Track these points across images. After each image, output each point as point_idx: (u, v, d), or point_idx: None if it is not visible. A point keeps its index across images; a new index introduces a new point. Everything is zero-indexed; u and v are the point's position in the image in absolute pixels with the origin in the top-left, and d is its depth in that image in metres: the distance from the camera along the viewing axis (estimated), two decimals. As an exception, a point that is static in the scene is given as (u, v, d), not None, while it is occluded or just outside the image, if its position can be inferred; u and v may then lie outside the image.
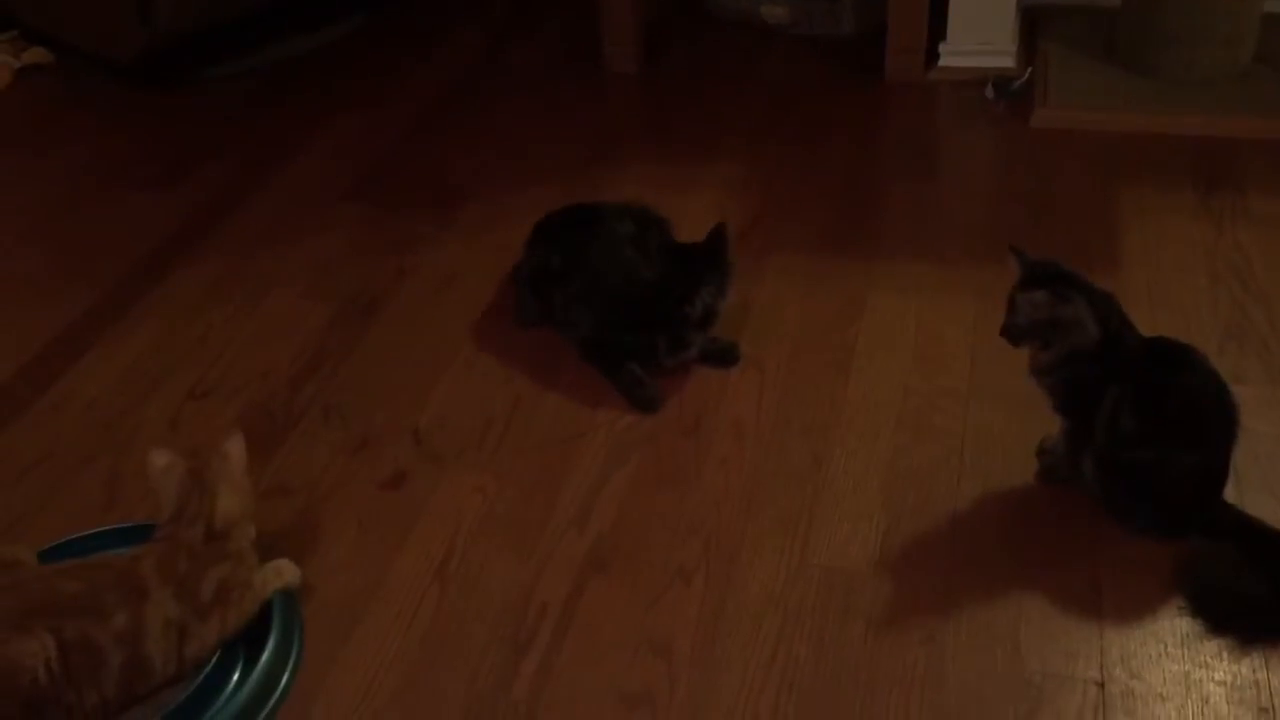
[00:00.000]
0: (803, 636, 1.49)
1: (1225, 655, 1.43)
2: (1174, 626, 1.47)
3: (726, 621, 1.52)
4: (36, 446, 1.81)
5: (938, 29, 2.66)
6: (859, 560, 1.59)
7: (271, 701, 1.43)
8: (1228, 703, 1.38)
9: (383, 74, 2.85)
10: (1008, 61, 2.65)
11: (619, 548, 1.63)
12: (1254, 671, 1.41)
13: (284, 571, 1.51)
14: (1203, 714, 1.37)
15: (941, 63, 2.68)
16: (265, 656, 1.44)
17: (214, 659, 1.42)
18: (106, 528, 1.57)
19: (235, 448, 1.49)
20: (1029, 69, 2.63)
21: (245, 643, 1.46)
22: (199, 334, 2.04)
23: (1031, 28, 2.77)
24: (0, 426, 1.84)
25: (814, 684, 1.43)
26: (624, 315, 1.88)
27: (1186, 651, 1.44)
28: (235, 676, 1.43)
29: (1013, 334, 1.56)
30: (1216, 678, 1.41)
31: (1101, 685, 1.41)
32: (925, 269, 2.11)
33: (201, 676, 1.40)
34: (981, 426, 1.77)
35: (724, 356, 1.94)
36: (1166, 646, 1.45)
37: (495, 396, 1.89)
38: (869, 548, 1.60)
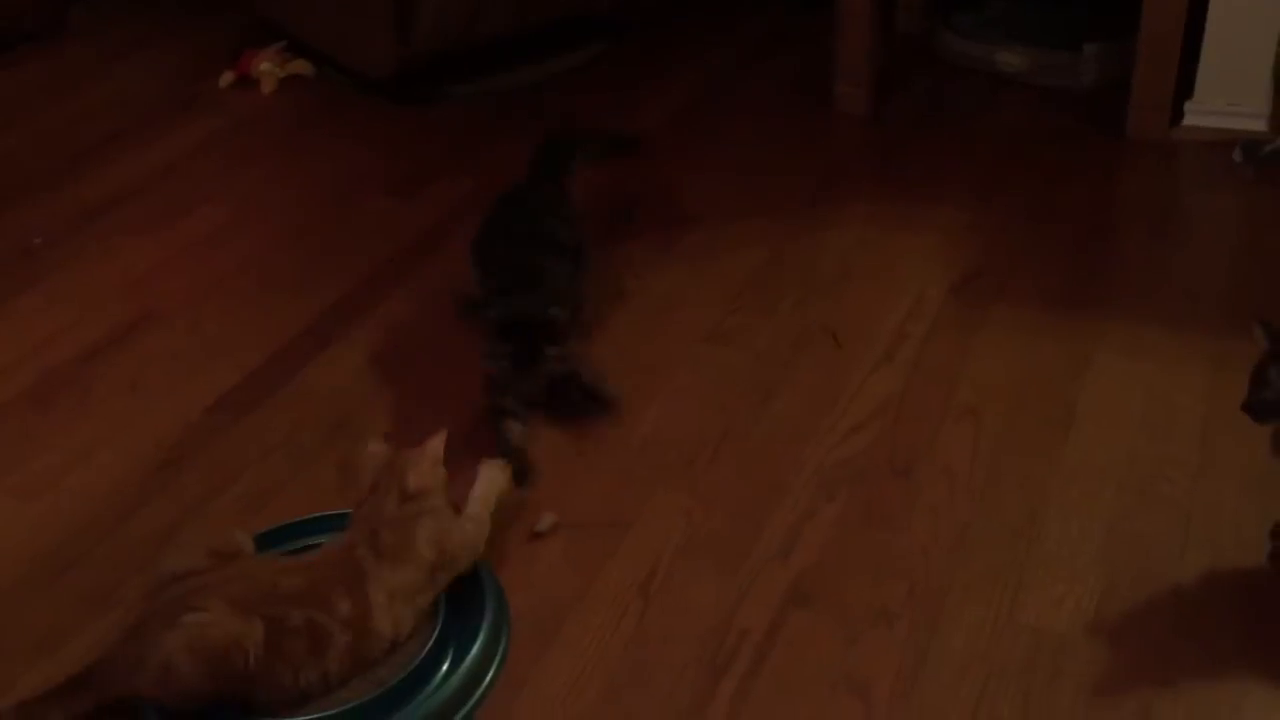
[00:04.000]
0: (1007, 695, 1.46)
1: None
2: None
3: (928, 670, 1.50)
4: (280, 429, 1.94)
5: (1185, 86, 2.57)
6: (1071, 623, 1.54)
7: (476, 696, 1.49)
8: None
9: (617, 100, 2.93)
10: (1260, 125, 2.53)
11: (822, 583, 1.63)
12: None
13: (478, 523, 1.58)
14: None
15: (1186, 121, 2.58)
16: (473, 652, 1.50)
17: (434, 634, 1.49)
18: (317, 515, 1.67)
19: (435, 443, 1.59)
20: (1283, 132, 2.51)
21: (455, 636, 1.53)
22: (430, 337, 2.15)
23: (1288, 89, 2.64)
24: (250, 408, 1.98)
25: (1016, 744, 1.40)
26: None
27: None
28: (444, 668, 1.50)
29: (1257, 410, 1.50)
30: None
31: (1332, 784, 1.33)
32: (1157, 333, 2.04)
33: (413, 665, 1.47)
34: (1211, 500, 1.70)
35: (588, 402, 1.89)
36: (1407, 753, 1.36)
37: (708, 421, 1.92)
38: (1083, 611, 1.56)
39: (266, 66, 3.05)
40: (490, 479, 1.64)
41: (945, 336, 2.08)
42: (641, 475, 1.82)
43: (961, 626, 1.55)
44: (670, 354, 2.08)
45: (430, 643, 1.49)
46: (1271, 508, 1.60)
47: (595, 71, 3.07)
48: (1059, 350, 2.02)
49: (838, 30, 2.76)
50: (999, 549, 1.66)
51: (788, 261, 2.31)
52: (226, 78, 3.04)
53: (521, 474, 1.75)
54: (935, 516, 1.72)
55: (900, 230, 2.38)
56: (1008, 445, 1.84)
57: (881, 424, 1.90)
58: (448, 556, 1.53)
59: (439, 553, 1.52)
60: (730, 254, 2.33)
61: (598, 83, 3.02)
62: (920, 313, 2.14)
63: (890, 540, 1.69)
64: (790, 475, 1.81)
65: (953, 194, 2.49)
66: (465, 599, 1.56)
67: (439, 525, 1.53)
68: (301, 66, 3.09)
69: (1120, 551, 1.64)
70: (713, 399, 1.97)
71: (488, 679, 1.50)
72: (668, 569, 1.66)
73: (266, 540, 1.61)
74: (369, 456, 1.59)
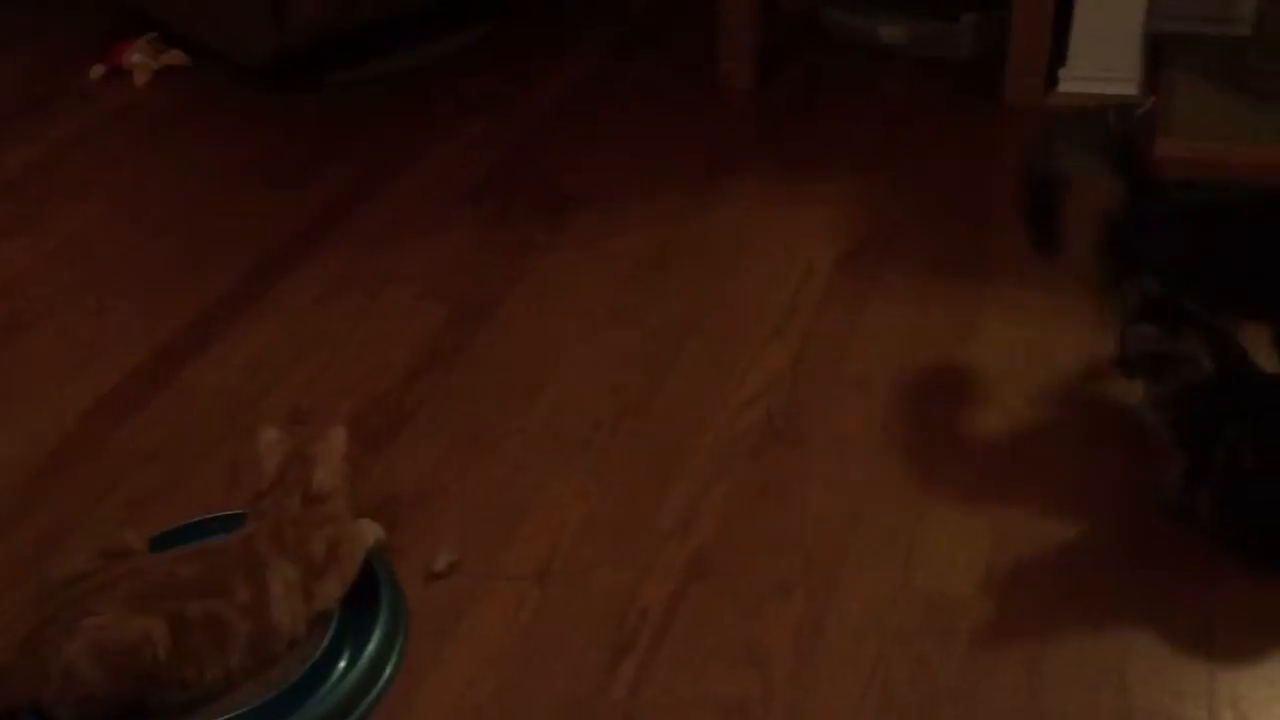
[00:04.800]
0: (902, 658, 1.49)
1: (1342, 704, 1.39)
2: (1289, 671, 1.44)
3: (825, 638, 1.52)
4: (164, 430, 1.89)
5: (1059, 53, 2.63)
6: (963, 585, 1.57)
7: (375, 691, 1.47)
8: (1343, 753, 1.35)
9: (505, 81, 2.91)
10: (1131, 89, 2.61)
11: (720, 557, 1.64)
12: (1373, 723, 1.37)
13: (372, 524, 1.58)
14: (1316, 763, 1.34)
15: (1061, 88, 2.65)
16: (370, 648, 1.48)
17: (330, 631, 1.47)
18: (212, 515, 1.63)
19: (338, 435, 1.57)
20: (1152, 98, 2.58)
21: (352, 632, 1.51)
22: (319, 329, 2.11)
23: (1156, 55, 2.72)
24: (132, 410, 1.93)
25: (911, 706, 1.43)
26: None
27: (1301, 698, 1.41)
28: (341, 665, 1.48)
29: (1124, 368, 1.54)
30: (1334, 727, 1.37)
31: (1213, 727, 1.38)
32: (1039, 296, 2.09)
33: (308, 665, 1.44)
34: (1096, 458, 1.75)
35: None
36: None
37: (602, 402, 1.92)
38: (974, 573, 1.59)
39: (139, 58, 2.96)
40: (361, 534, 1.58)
41: (835, 308, 2.11)
42: (537, 459, 1.81)
43: (857, 594, 1.57)
44: (564, 336, 2.07)
45: (327, 640, 1.47)
46: (1151, 464, 1.65)
47: (482, 53, 3.04)
48: (945, 317, 2.06)
49: (721, 7, 2.77)
50: (892, 516, 1.69)
51: (678, 239, 2.31)
52: (97, 71, 2.94)
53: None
54: (829, 487, 1.75)
55: (788, 205, 2.40)
56: (898, 413, 1.87)
57: (774, 397, 1.91)
58: (342, 566, 1.51)
59: (334, 560, 1.50)
60: (621, 234, 2.33)
61: (484, 64, 2.99)
62: (809, 286, 2.16)
63: (786, 512, 1.71)
64: (687, 451, 1.81)
65: (838, 167, 2.51)
66: (361, 595, 1.54)
67: (338, 533, 1.52)
68: (176, 57, 3.00)
69: (1010, 515, 1.68)
70: (608, 379, 1.97)
71: (385, 675, 1.49)
72: (566, 553, 1.65)
73: (161, 544, 1.57)
74: (268, 446, 1.56)
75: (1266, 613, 1.50)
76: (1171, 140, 2.45)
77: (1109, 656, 1.47)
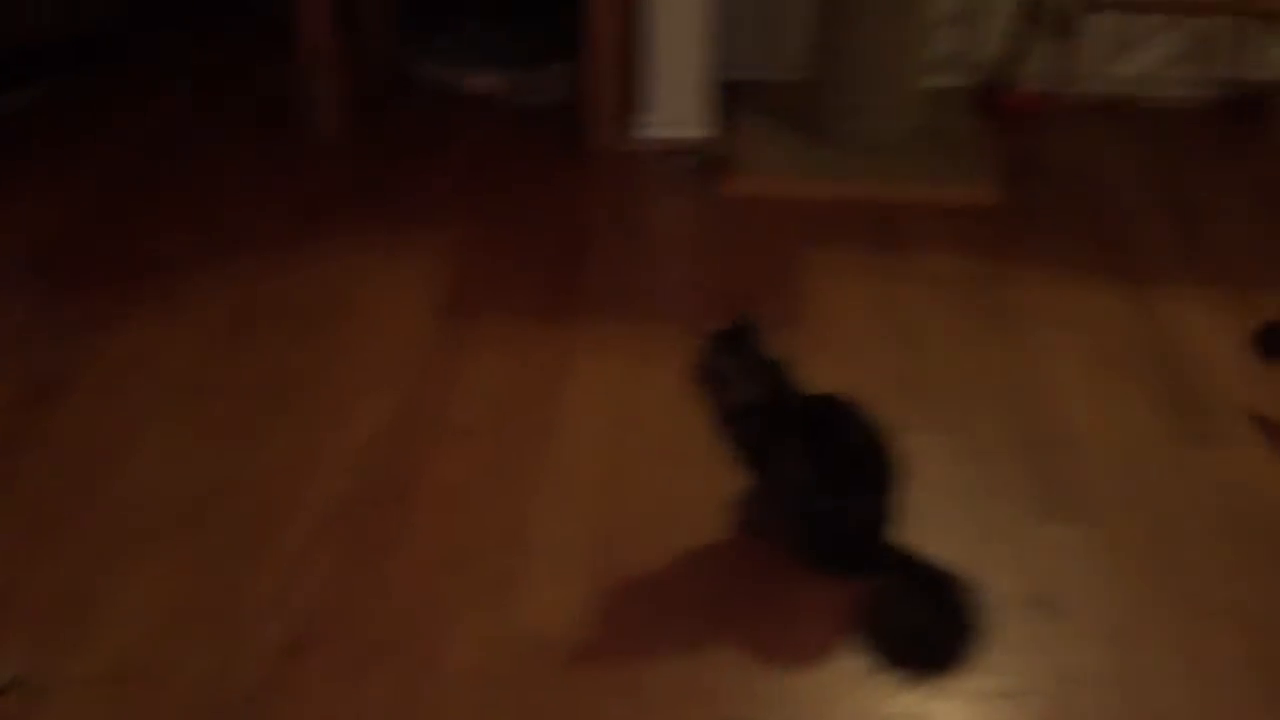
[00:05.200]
0: (506, 704, 1.50)
1: (900, 687, 1.54)
2: (856, 665, 1.57)
3: (429, 693, 1.51)
4: None
5: (636, 99, 2.77)
6: (562, 623, 1.61)
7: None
8: (901, 732, 1.49)
9: (73, 138, 2.71)
10: (703, 132, 2.79)
11: (320, 627, 1.59)
12: (924, 701, 1.52)
13: None
14: (880, 745, 1.47)
15: (639, 133, 2.79)
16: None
17: None
18: None
19: None
20: (723, 139, 2.78)
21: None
22: None
23: (727, 100, 2.93)
24: None
25: (518, 750, 1.44)
26: None
27: (867, 687, 1.54)
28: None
29: (697, 382, 1.65)
30: (892, 710, 1.51)
31: (787, 726, 1.49)
32: (628, 332, 2.18)
33: None
34: (682, 483, 1.84)
35: None
36: (849, 683, 1.54)
37: (190, 480, 1.81)
38: (573, 610, 1.63)
39: None
40: None
41: (435, 359, 2.11)
42: (117, 546, 1.69)
43: (458, 647, 1.57)
44: (143, 411, 1.95)
45: None
46: (730, 485, 1.76)
47: (48, 109, 2.82)
48: (541, 360, 2.11)
49: (307, 59, 2.72)
50: (494, 562, 1.70)
51: (268, 299, 2.24)
52: None
53: None
54: (430, 542, 1.74)
55: (385, 257, 2.38)
56: (498, 459, 1.90)
57: (375, 455, 1.89)
58: None
59: None
60: (204, 299, 2.22)
61: (51, 121, 2.78)
62: (409, 338, 2.15)
63: (388, 570, 1.68)
64: (283, 521, 1.75)
65: (434, 217, 2.53)
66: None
67: None
68: None
69: (605, 546, 1.73)
70: (194, 453, 1.87)
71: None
72: (150, 645, 1.55)
73: None
74: None
75: (834, 611, 1.63)
76: (741, 178, 2.65)
77: (703, 672, 1.55)
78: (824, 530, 1.64)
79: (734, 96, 2.93)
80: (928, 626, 1.58)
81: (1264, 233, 2.49)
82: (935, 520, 1.76)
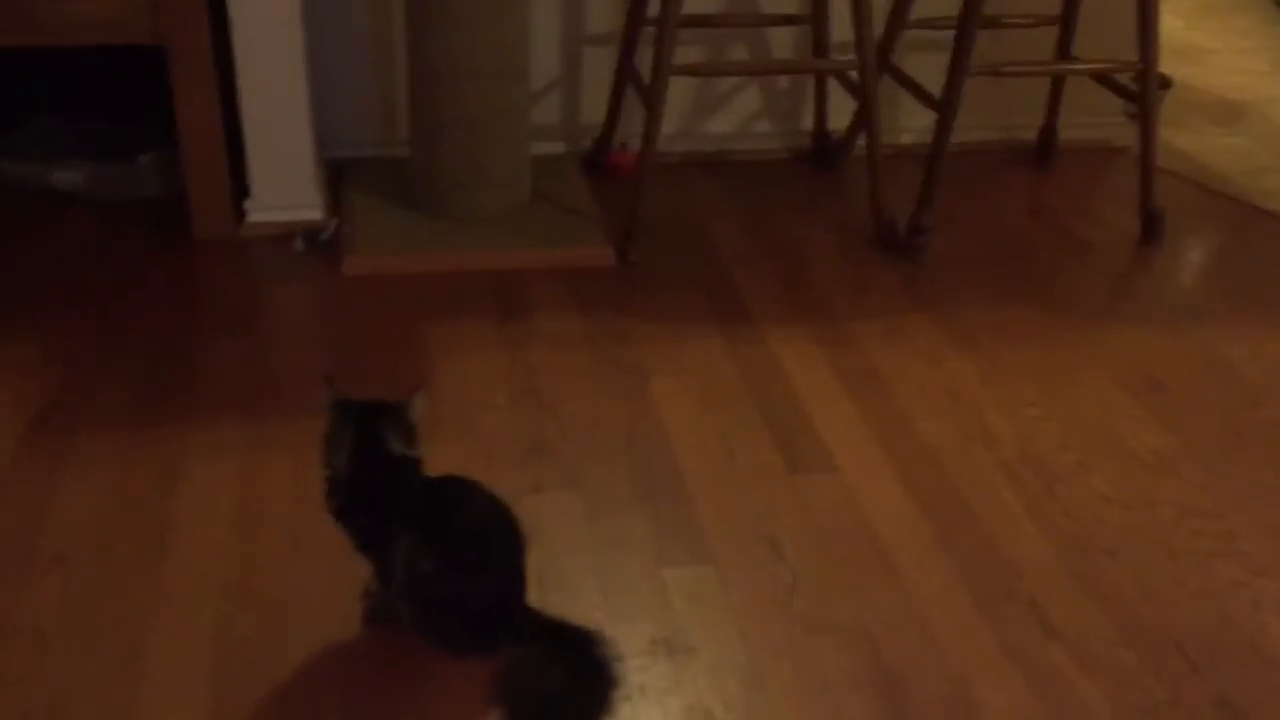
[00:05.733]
0: None
1: (542, 756, 1.53)
2: (496, 740, 1.55)
3: None
4: None
5: (244, 185, 2.68)
6: (182, 752, 1.50)
7: None
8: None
9: None
10: (315, 213, 2.73)
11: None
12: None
13: None
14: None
15: (250, 219, 2.70)
16: None
17: None
18: None
19: None
20: (336, 219, 2.73)
21: None
22: None
23: (337, 178, 2.89)
24: None
25: None
26: None
27: (508, 761, 1.52)
28: None
29: (332, 467, 1.60)
30: (534, 780, 1.50)
31: (429, 819, 1.45)
32: (242, 429, 2.09)
33: None
34: (307, 582, 1.77)
35: None
36: (491, 761, 1.53)
37: None
38: (193, 735, 1.52)
39: None
40: None
41: (25, 482, 1.93)
42: None
43: (66, 799, 1.43)
44: None
45: None
46: (359, 576, 1.70)
47: None
48: (148, 469, 1.98)
49: None
50: (103, 700, 1.57)
51: None
52: None
53: None
54: (26, 687, 1.58)
55: (-40, 377, 2.16)
56: (103, 584, 1.75)
57: (-47, 600, 1.69)
58: None
59: None
60: None
61: None
62: (-8, 463, 1.96)
63: (-25, 730, 1.51)
64: None
65: (19, 325, 2.32)
66: None
67: None
68: None
69: (229, 659, 1.64)
70: None
71: None
72: None
73: None
74: None
75: (475, 685, 1.61)
76: (357, 258, 2.60)
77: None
78: (453, 614, 1.61)
79: (345, 175, 2.89)
80: (563, 689, 1.59)
81: (850, 266, 2.72)
82: (565, 579, 1.78)
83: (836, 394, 2.26)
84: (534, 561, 1.69)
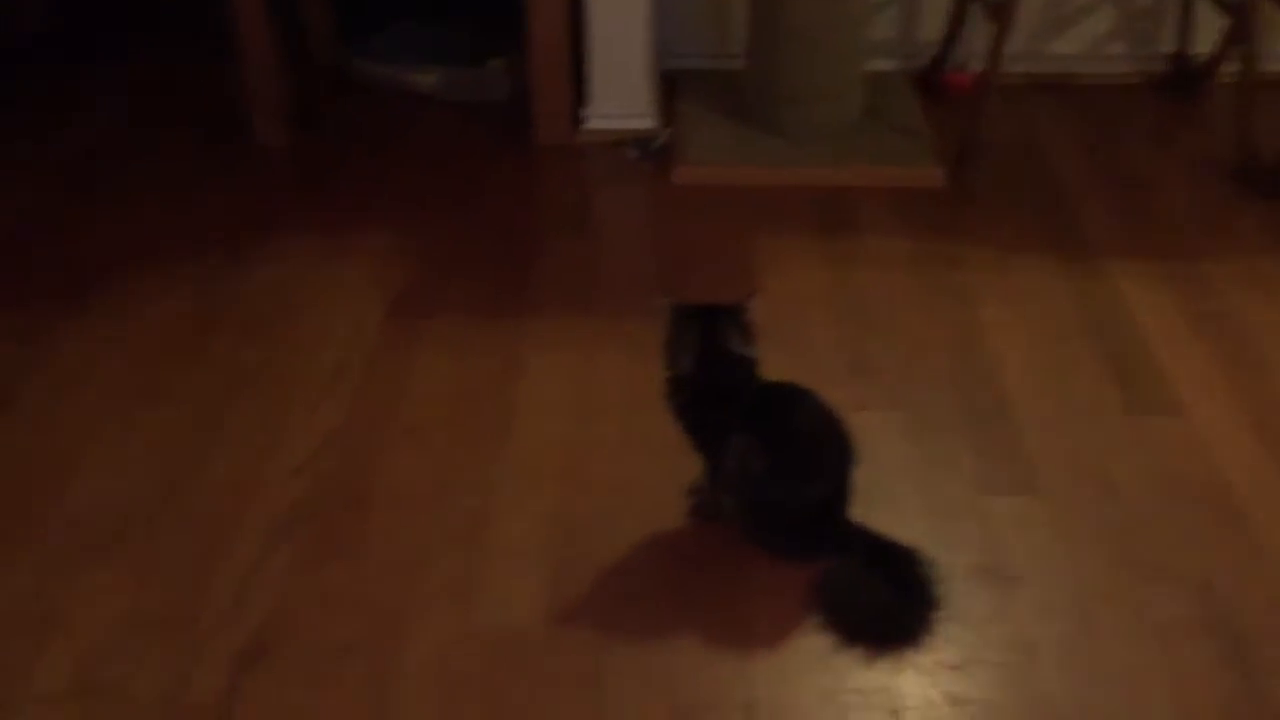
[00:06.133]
0: (471, 699, 1.50)
1: (859, 665, 1.55)
2: (814, 644, 1.57)
3: (393, 693, 1.50)
4: None
5: (582, 93, 2.77)
6: (525, 617, 1.61)
7: None
8: (862, 710, 1.49)
9: (5, 145, 2.66)
10: (648, 122, 2.79)
11: (278, 632, 1.58)
12: (885, 677, 1.54)
13: None
14: (842, 723, 1.48)
15: (587, 126, 2.79)
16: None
17: None
18: None
19: None
20: (668, 129, 2.78)
21: None
22: None
23: (670, 90, 2.93)
24: None
25: (483, 746, 1.44)
26: None
27: (826, 666, 1.55)
28: None
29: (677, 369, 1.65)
30: (852, 687, 1.52)
31: (749, 708, 1.49)
32: (579, 325, 2.18)
33: None
34: (637, 473, 1.84)
35: None
36: (808, 663, 1.55)
37: (139, 489, 1.79)
38: (535, 603, 1.63)
39: None
40: None
41: (385, 361, 2.10)
42: (66, 561, 1.67)
43: (422, 644, 1.57)
44: (93, 420, 1.93)
45: None
46: (687, 471, 1.76)
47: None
48: (492, 356, 2.11)
49: (246, 63, 2.69)
50: (453, 559, 1.70)
51: (216, 306, 2.22)
52: None
53: None
54: (389, 541, 1.73)
55: (331, 260, 2.36)
56: (453, 458, 1.89)
57: (329, 458, 1.87)
58: None
59: None
60: (153, 305, 2.20)
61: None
62: (358, 341, 2.14)
63: (345, 573, 1.67)
64: (236, 528, 1.73)
65: (380, 217, 2.51)
66: None
67: None
68: None
69: (563, 539, 1.73)
70: (145, 463, 1.85)
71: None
72: (107, 660, 1.53)
73: None
74: None
75: (791, 592, 1.64)
76: (687, 167, 2.65)
77: (659, 660, 1.55)
78: (778, 517, 1.65)
79: (679, 86, 2.93)
80: (886, 603, 1.59)
81: (1205, 203, 2.53)
82: (888, 498, 1.78)
83: (1185, 336, 2.12)
84: (858, 477, 1.69)
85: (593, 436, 1.93)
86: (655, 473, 1.83)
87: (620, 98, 2.78)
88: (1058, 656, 1.56)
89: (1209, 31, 2.84)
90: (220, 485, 1.82)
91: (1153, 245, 2.38)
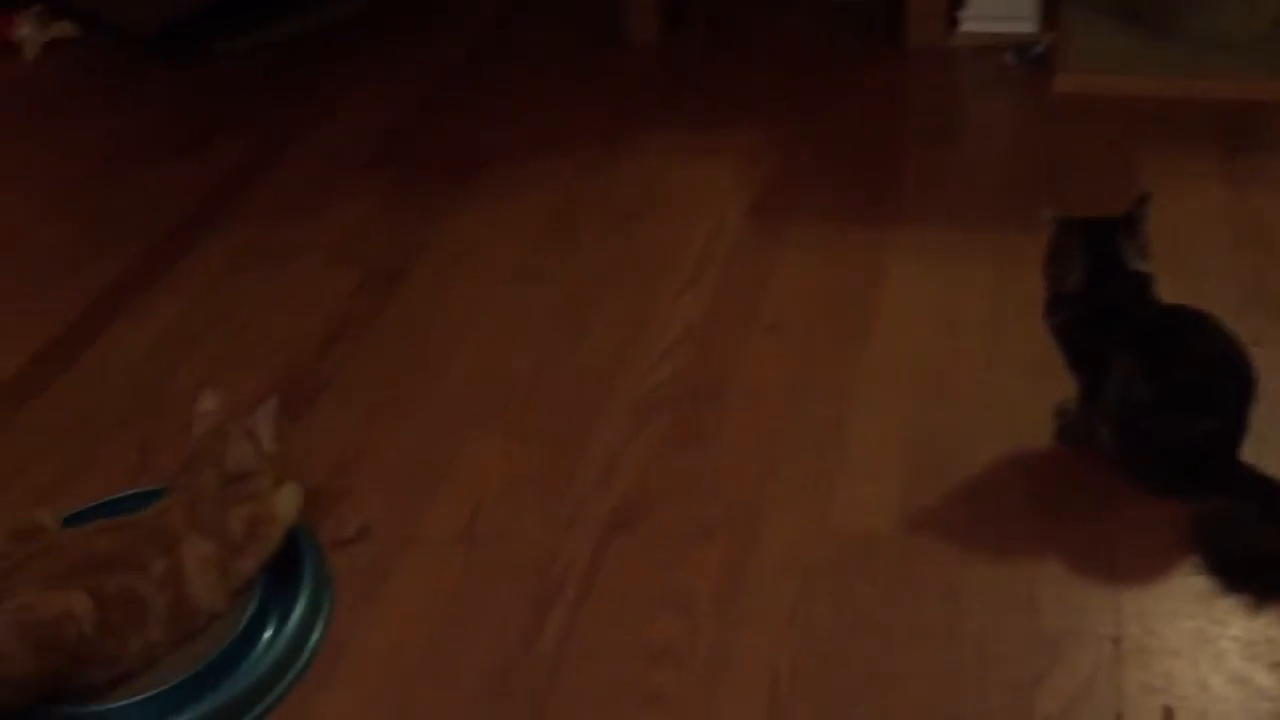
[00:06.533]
0: (823, 594, 1.51)
1: (1240, 613, 1.44)
2: (1189, 584, 1.48)
3: (746, 581, 1.54)
4: (71, 412, 1.85)
5: (958, -5, 2.66)
6: (878, 521, 1.61)
7: (302, 659, 1.46)
8: (1241, 658, 1.40)
9: (400, 43, 2.86)
10: (1029, 27, 2.64)
11: (641, 508, 1.65)
12: (1268, 628, 1.43)
13: (294, 495, 1.56)
14: (1216, 669, 1.39)
15: (962, 28, 2.67)
16: (296, 616, 1.48)
17: (253, 603, 1.47)
18: (129, 492, 1.60)
19: (268, 409, 1.55)
20: (1050, 34, 2.62)
21: (276, 603, 1.50)
22: (226, 302, 2.08)
23: (1052, -7, 2.76)
24: (35, 392, 1.88)
25: (833, 641, 1.45)
26: None
27: (1202, 608, 1.45)
28: (265, 636, 1.47)
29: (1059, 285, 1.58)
30: (1231, 634, 1.42)
31: (1116, 641, 1.43)
32: (946, 235, 2.12)
33: (231, 639, 1.43)
34: (1001, 389, 1.78)
35: None
36: (1182, 604, 1.46)
37: (520, 361, 1.91)
38: (889, 509, 1.62)
39: (26, 31, 2.87)
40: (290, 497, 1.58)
41: (747, 258, 2.12)
42: (456, 421, 1.81)
43: (777, 535, 1.60)
44: (476, 297, 2.06)
45: (249, 614, 1.46)
46: (1054, 391, 1.69)
47: (374, 14, 2.99)
48: (854, 260, 2.09)
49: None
50: (808, 458, 1.71)
51: (587, 195, 2.31)
52: (-18, 44, 2.85)
53: None
54: (746, 433, 1.77)
55: (697, 156, 2.40)
56: (811, 358, 1.90)
57: (690, 348, 1.92)
58: (260, 544, 1.50)
59: (253, 539, 1.49)
60: (529, 193, 2.32)
61: (378, 26, 2.94)
62: (721, 236, 2.17)
63: (705, 460, 1.73)
64: (605, 406, 1.82)
65: (746, 117, 2.52)
66: (285, 566, 1.53)
67: (258, 511, 1.51)
68: (65, 29, 2.91)
69: (920, 449, 1.71)
70: (523, 338, 1.97)
71: (311, 644, 1.48)
72: (488, 513, 1.65)
73: (76, 522, 1.54)
74: (202, 415, 1.54)
75: (1165, 527, 1.55)
76: (1070, 75, 2.49)
77: (1019, 580, 1.51)
78: (1161, 450, 1.55)
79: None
80: (1275, 553, 1.48)
81: None
82: (1282, 441, 1.64)
83: None
84: (1254, 414, 1.56)
85: (956, 348, 1.88)
86: (1021, 390, 1.77)
87: (1000, 0, 2.64)
88: None
89: None
90: (589, 365, 1.91)
91: None
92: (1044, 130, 2.41)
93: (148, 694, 1.38)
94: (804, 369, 1.87)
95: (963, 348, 1.88)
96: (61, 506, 1.58)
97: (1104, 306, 1.55)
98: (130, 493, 1.60)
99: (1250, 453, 1.58)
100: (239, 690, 1.40)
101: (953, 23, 2.68)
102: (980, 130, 2.49)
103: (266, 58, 2.82)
